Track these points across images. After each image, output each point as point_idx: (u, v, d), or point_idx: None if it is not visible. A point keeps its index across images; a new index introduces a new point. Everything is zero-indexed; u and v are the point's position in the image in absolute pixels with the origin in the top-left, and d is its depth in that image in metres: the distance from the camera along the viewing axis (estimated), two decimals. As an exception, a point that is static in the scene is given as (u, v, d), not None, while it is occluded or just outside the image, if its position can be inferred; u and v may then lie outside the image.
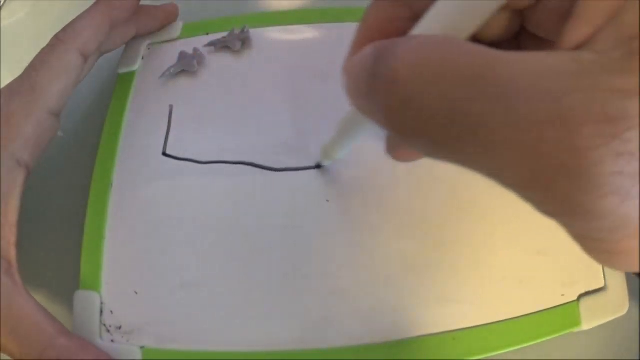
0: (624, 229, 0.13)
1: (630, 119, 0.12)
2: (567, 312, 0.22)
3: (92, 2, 0.24)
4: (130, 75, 0.27)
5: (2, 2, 0.33)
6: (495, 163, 0.13)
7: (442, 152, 0.14)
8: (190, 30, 0.29)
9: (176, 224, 0.23)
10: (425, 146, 0.14)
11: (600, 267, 0.23)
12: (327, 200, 0.23)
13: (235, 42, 0.27)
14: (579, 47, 0.13)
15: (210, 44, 0.27)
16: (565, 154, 0.12)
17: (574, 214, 0.13)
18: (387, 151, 0.19)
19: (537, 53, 0.12)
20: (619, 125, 0.12)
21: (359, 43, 0.16)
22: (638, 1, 0.12)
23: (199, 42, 0.28)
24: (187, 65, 0.27)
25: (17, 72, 0.22)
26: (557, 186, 0.13)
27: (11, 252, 0.20)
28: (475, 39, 0.16)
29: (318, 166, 0.24)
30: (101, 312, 0.22)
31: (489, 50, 0.12)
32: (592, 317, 0.22)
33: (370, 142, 0.25)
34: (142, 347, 0.21)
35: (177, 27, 0.29)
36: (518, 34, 0.17)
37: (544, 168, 0.12)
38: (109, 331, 0.21)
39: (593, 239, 0.14)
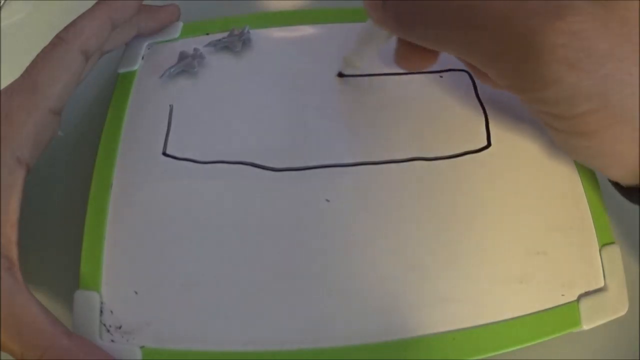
0: (579, 101, 0.16)
1: (575, 7, 0.15)
2: (567, 312, 0.22)
3: (94, 2, 0.24)
4: (131, 75, 0.27)
5: (2, 2, 0.33)
6: (468, 41, 0.17)
7: (436, 39, 0.19)
8: (190, 30, 0.29)
9: (176, 224, 0.23)
10: (426, 37, 0.19)
11: (600, 267, 0.23)
12: (327, 200, 0.23)
13: (236, 43, 0.27)
14: None
15: (211, 44, 0.27)
16: (520, 28, 0.16)
17: (527, 81, 0.17)
18: (396, 61, 0.23)
19: None
20: (564, 10, 0.15)
21: None
22: None
23: (199, 42, 0.28)
24: (187, 66, 0.27)
25: (17, 72, 0.22)
26: (512, 56, 0.16)
27: (12, 251, 0.20)
28: None
29: (340, 74, 0.26)
30: (101, 312, 0.22)
31: None
32: (592, 317, 0.22)
33: (370, 142, 0.25)
34: (142, 347, 0.21)
35: (177, 27, 0.29)
36: None
37: (501, 42, 0.16)
38: (108, 331, 0.21)
39: (557, 116, 0.17)
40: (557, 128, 0.19)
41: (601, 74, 0.16)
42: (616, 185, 0.22)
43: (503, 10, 0.16)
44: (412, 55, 0.23)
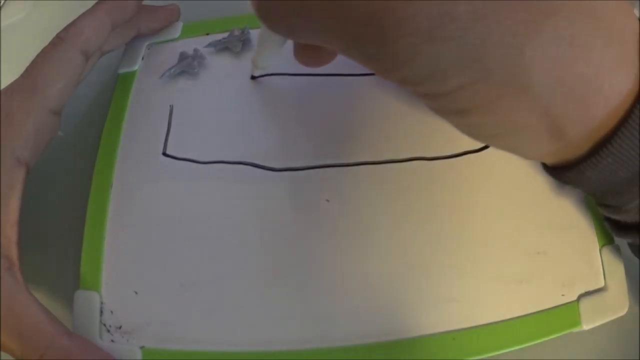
0: (446, 75, 0.15)
1: None
2: (567, 312, 0.22)
3: (94, 2, 0.24)
4: (131, 75, 0.27)
5: (2, 2, 0.33)
6: (328, 29, 0.16)
7: (293, 31, 0.18)
8: (190, 31, 0.29)
9: (176, 224, 0.23)
10: (291, 31, 0.18)
11: (600, 267, 0.23)
12: (327, 200, 0.23)
13: (236, 43, 0.27)
14: None
15: (211, 44, 0.27)
16: (367, 7, 0.14)
17: (385, 61, 0.16)
18: (295, 56, 0.23)
19: None
20: None
21: None
22: None
23: (199, 42, 0.28)
24: (188, 66, 0.27)
25: (17, 72, 0.22)
26: (368, 38, 0.15)
27: (12, 251, 0.20)
28: None
29: (253, 77, 0.26)
30: (101, 312, 0.22)
31: None
32: (592, 317, 0.22)
33: (370, 142, 0.25)
34: (142, 347, 0.21)
35: (177, 27, 0.29)
36: None
37: (354, 24, 0.15)
38: (109, 331, 0.21)
39: (429, 96, 0.16)
40: (440, 110, 0.17)
41: (469, 40, 0.14)
42: (545, 166, 0.21)
43: None
44: (306, 51, 0.22)
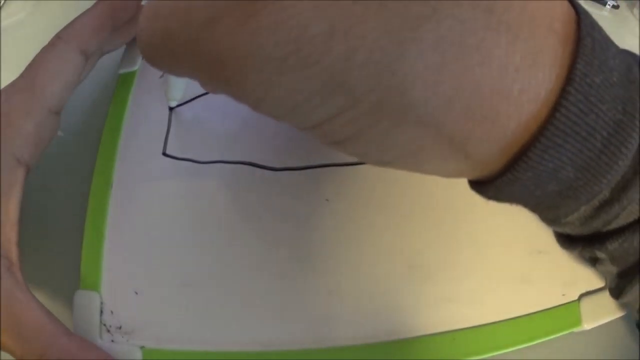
0: (294, 108, 0.13)
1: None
2: (567, 312, 0.22)
3: (94, 1, 0.24)
4: (131, 75, 0.27)
5: (2, 2, 0.33)
6: (192, 69, 0.14)
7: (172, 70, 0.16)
8: (191, 31, 0.29)
9: (176, 224, 0.23)
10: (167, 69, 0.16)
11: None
12: (327, 200, 0.23)
13: (236, 42, 0.27)
14: None
15: (211, 44, 0.27)
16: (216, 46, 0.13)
17: (246, 96, 0.14)
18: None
19: None
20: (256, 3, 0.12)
21: None
22: None
23: (199, 42, 0.28)
24: (187, 65, 0.27)
25: (17, 72, 0.22)
26: (220, 75, 0.13)
27: (13, 251, 0.20)
28: None
29: (171, 108, 0.25)
30: (101, 312, 0.22)
31: None
32: (593, 317, 0.22)
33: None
34: (142, 347, 0.21)
35: (177, 27, 0.29)
36: None
37: (208, 64, 0.14)
38: (109, 331, 0.21)
39: (300, 128, 0.15)
40: (320, 141, 0.15)
41: (328, 64, 0.12)
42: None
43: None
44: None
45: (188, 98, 0.26)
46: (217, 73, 0.14)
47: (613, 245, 0.17)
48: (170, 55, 0.14)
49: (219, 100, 0.26)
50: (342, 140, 0.14)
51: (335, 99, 0.13)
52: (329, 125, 0.14)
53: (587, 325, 0.22)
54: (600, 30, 0.15)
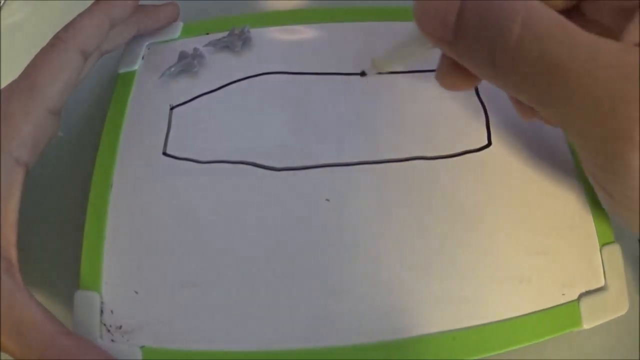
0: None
1: None
2: (567, 312, 0.22)
3: (93, 1, 0.24)
4: (131, 75, 0.27)
5: (2, 2, 0.33)
6: (566, 111, 0.16)
7: (521, 91, 0.17)
8: (190, 30, 0.29)
9: (176, 224, 0.23)
10: (509, 84, 0.17)
11: (600, 267, 0.23)
12: (327, 200, 0.23)
13: (236, 42, 0.27)
14: (636, 45, 0.16)
15: (211, 44, 0.27)
16: (621, 120, 0.15)
17: (616, 167, 0.16)
18: (437, 77, 0.21)
19: (614, 41, 0.16)
20: None
21: None
22: None
23: (199, 42, 0.28)
24: (187, 65, 0.27)
25: (17, 72, 0.22)
26: (609, 142, 0.16)
27: (11, 252, 0.20)
28: None
29: (363, 73, 0.23)
30: (101, 311, 0.22)
31: (574, 24, 0.16)
32: (593, 317, 0.22)
33: (370, 141, 0.25)
34: (142, 347, 0.21)
35: (177, 27, 0.29)
36: (570, 12, 0.19)
37: (604, 126, 0.16)
38: (109, 331, 0.21)
39: (624, 196, 0.17)
40: (619, 202, 0.18)
41: None
42: None
43: (608, 92, 0.15)
44: (457, 76, 0.20)
45: (188, 98, 0.26)
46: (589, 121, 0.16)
47: None
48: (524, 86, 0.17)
49: (219, 100, 0.26)
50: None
51: None
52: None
53: (586, 325, 0.22)
54: None
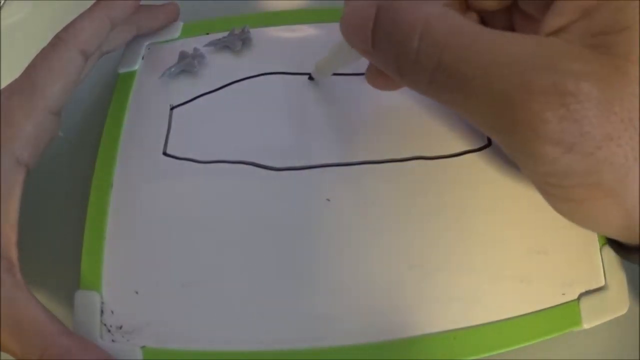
0: (572, 177, 0.17)
1: (580, 95, 0.15)
2: (567, 311, 0.22)
3: (93, 1, 0.24)
4: (131, 75, 0.27)
5: (2, 2, 0.33)
6: (473, 111, 0.17)
7: (430, 94, 0.18)
8: (190, 30, 0.29)
9: (176, 223, 0.23)
10: (419, 89, 0.18)
11: (600, 266, 0.23)
12: (328, 200, 0.23)
13: (236, 42, 0.27)
14: (554, 33, 0.17)
15: (211, 44, 0.27)
16: (522, 111, 0.16)
17: (528, 156, 0.17)
18: (367, 80, 0.23)
19: (514, 34, 0.16)
20: (567, 98, 0.15)
21: None
22: (608, 4, 0.16)
23: (199, 42, 0.28)
24: (188, 65, 0.27)
25: (17, 72, 0.22)
26: (515, 135, 0.16)
27: (12, 251, 0.20)
28: (472, 7, 0.21)
29: (310, 77, 0.26)
30: (102, 312, 0.22)
31: (476, 26, 0.17)
32: (593, 316, 0.22)
33: (371, 141, 0.25)
34: (142, 347, 0.21)
35: (177, 27, 0.29)
36: (510, 8, 0.21)
37: (507, 120, 0.16)
38: (109, 331, 0.21)
39: (550, 184, 0.18)
40: (547, 192, 0.19)
41: (597, 156, 0.16)
42: (612, 242, 0.22)
43: (507, 88, 0.16)
44: (383, 78, 0.22)
45: (188, 98, 0.26)
46: (509, 139, 0.17)
47: None
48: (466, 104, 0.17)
49: (219, 100, 0.26)
50: (576, 200, 0.18)
51: (590, 178, 0.17)
52: (571, 190, 0.18)
53: (586, 325, 0.22)
54: None
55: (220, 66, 0.27)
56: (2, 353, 0.19)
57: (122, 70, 0.27)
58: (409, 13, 0.17)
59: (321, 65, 0.25)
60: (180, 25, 0.29)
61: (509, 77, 0.16)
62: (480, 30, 0.17)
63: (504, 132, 0.17)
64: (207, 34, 0.28)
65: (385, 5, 0.18)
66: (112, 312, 0.22)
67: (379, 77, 0.23)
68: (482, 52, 0.16)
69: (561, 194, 0.18)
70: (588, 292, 0.22)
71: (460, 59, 0.16)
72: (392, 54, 0.18)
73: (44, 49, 0.23)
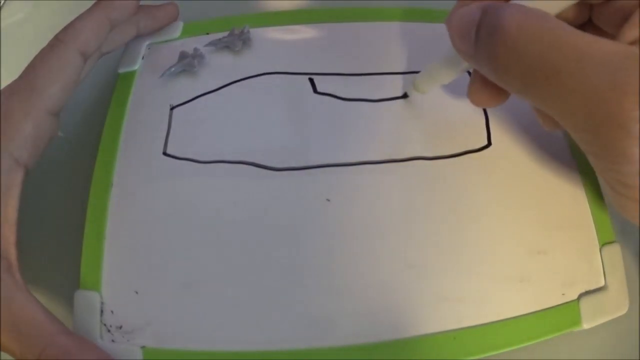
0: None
1: None
2: (567, 311, 0.22)
3: (93, 2, 0.24)
4: (131, 75, 0.27)
5: (2, 2, 0.33)
6: (562, 107, 0.18)
7: (525, 92, 0.18)
8: (190, 30, 0.29)
9: (176, 223, 0.23)
10: (515, 86, 0.19)
11: (600, 267, 0.23)
12: (328, 200, 0.23)
13: (236, 42, 0.27)
14: (631, 44, 0.18)
15: (211, 44, 0.27)
16: (613, 108, 0.16)
17: (612, 154, 0.17)
18: (469, 96, 0.23)
19: (603, 39, 0.17)
20: None
21: (462, 2, 0.21)
22: None
23: (199, 42, 0.28)
24: (188, 65, 0.27)
25: (17, 72, 0.22)
26: (603, 132, 0.17)
27: (11, 251, 0.20)
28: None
29: (405, 96, 0.26)
30: (101, 312, 0.22)
31: (571, 27, 0.17)
32: (593, 317, 0.22)
33: (371, 142, 0.25)
34: (142, 347, 0.21)
35: (177, 27, 0.29)
36: (583, 25, 0.22)
37: (596, 117, 0.17)
38: (109, 331, 0.21)
39: (625, 184, 0.18)
40: (619, 192, 0.19)
41: None
42: None
43: (598, 84, 0.16)
44: (485, 92, 0.22)
45: (188, 98, 0.26)
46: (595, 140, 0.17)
47: None
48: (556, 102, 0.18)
49: (219, 100, 0.26)
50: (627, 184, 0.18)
51: None
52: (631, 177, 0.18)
53: (586, 325, 0.22)
54: None
55: (220, 66, 0.27)
56: (1, 353, 0.19)
57: (122, 70, 0.27)
58: (508, 13, 0.18)
59: (422, 81, 0.24)
60: (180, 25, 0.29)
61: (601, 74, 0.16)
62: (573, 29, 0.17)
63: (591, 128, 0.17)
64: (207, 34, 0.28)
65: (489, 8, 0.19)
66: (112, 312, 0.22)
67: (481, 91, 0.22)
68: (575, 47, 0.17)
69: (634, 195, 0.18)
70: (588, 292, 0.22)
71: (554, 49, 0.17)
72: (491, 52, 0.18)
73: (43, 50, 0.23)
